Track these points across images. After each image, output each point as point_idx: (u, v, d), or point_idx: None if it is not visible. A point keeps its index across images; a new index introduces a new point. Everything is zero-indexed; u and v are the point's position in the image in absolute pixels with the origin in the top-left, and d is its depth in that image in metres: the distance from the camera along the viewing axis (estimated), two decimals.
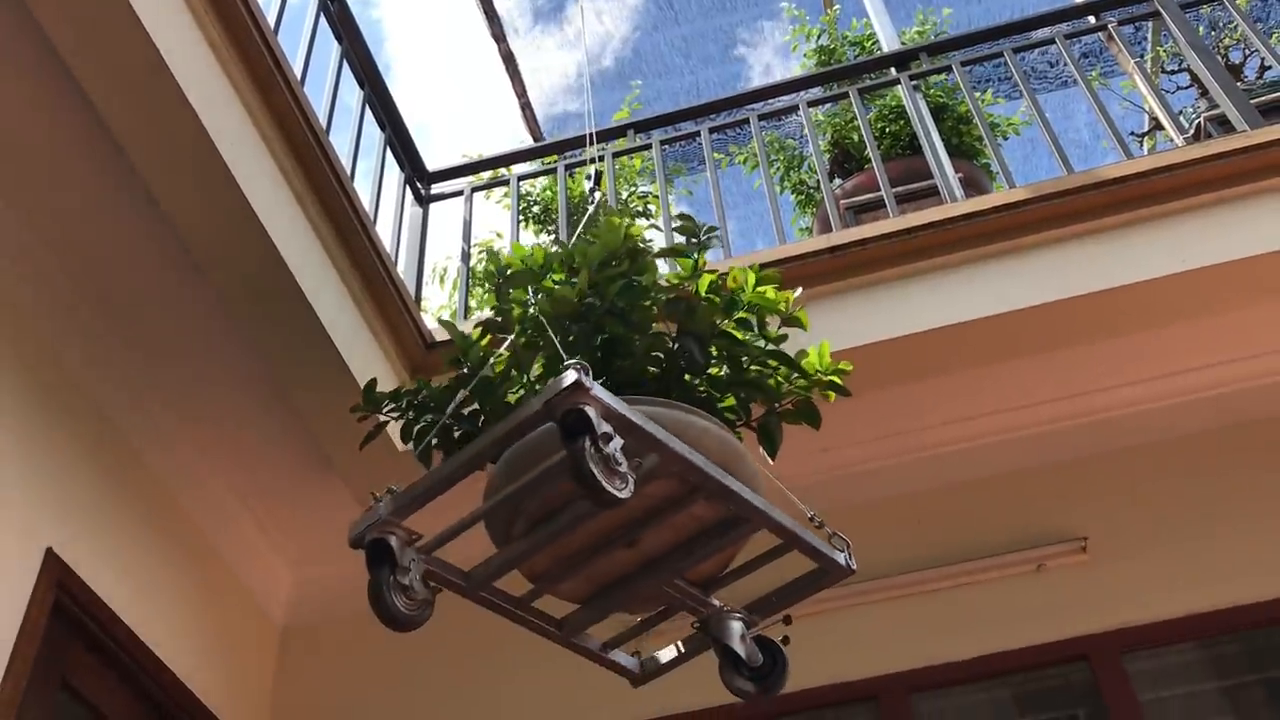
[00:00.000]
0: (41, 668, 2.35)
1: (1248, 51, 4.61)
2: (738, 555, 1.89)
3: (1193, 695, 2.83)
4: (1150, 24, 4.36)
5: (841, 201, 4.25)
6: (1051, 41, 3.76)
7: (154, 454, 2.97)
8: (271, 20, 2.71)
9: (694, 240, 1.92)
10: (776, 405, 1.96)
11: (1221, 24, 4.53)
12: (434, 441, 1.91)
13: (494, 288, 1.96)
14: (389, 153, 3.75)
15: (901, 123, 4.44)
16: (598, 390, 1.50)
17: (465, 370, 1.93)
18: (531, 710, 3.14)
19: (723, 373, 1.91)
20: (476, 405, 1.92)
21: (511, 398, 1.89)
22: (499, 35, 6.43)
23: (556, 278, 1.86)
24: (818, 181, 4.58)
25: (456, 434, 1.94)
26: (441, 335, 3.16)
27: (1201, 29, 4.74)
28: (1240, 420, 3.09)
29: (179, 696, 2.84)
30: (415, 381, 2.16)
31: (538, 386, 1.84)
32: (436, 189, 4.02)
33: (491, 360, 1.90)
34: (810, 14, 5.16)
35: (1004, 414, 3.25)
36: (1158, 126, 4.75)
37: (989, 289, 2.96)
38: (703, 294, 1.85)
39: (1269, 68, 4.51)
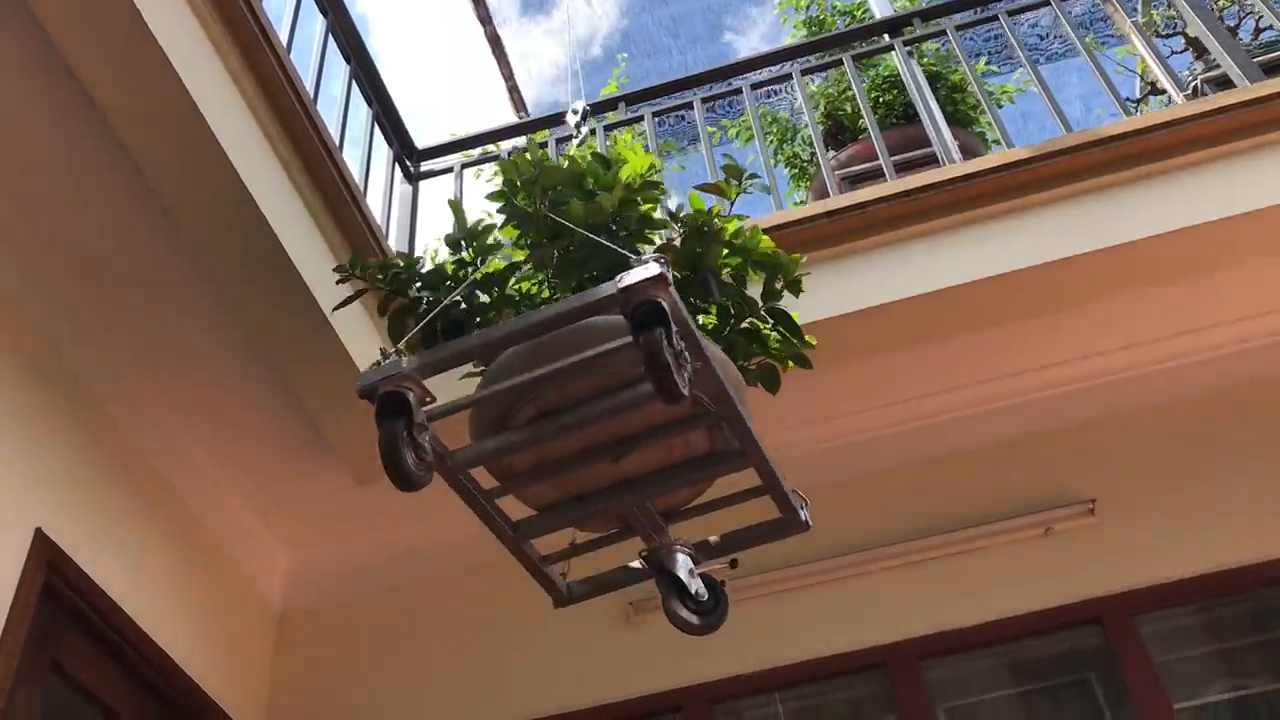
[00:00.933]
0: (32, 650, 2.30)
1: (1242, 14, 4.57)
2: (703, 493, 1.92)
3: (1207, 656, 2.79)
4: None
5: (837, 173, 4.19)
6: (1046, 2, 3.70)
7: (148, 437, 2.91)
8: None
9: (734, 182, 1.93)
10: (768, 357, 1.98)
11: None
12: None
13: (512, 184, 1.91)
14: (376, 129, 3.69)
15: (895, 92, 4.40)
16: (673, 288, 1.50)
17: (463, 258, 1.94)
18: (527, 692, 3.09)
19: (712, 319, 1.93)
20: (463, 299, 1.91)
21: (525, 286, 1.90)
22: (485, 17, 6.38)
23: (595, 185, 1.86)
24: (811, 154, 4.54)
25: (440, 325, 1.92)
26: None
27: None
28: (1245, 381, 3.06)
29: (176, 681, 2.79)
30: (400, 258, 2.11)
31: (548, 284, 1.87)
32: (426, 166, 3.96)
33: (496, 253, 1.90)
34: None
35: (1008, 379, 3.21)
36: (1152, 92, 4.71)
37: (991, 250, 2.91)
38: (729, 233, 1.82)
39: (1265, 29, 4.47)
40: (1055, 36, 4.18)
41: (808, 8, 5.03)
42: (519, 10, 7.80)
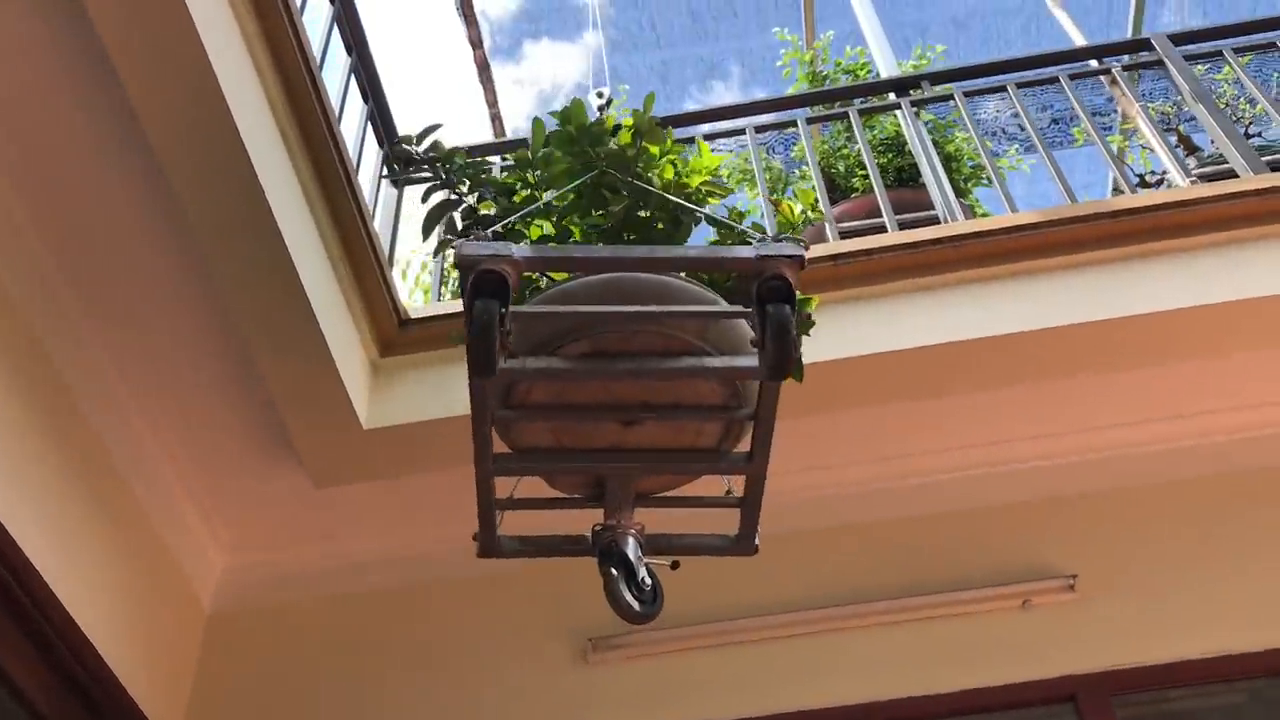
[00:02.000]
0: None
1: (1234, 117, 4.63)
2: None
3: None
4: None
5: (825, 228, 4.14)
6: (1054, 80, 3.72)
7: (100, 412, 2.73)
8: None
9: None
10: None
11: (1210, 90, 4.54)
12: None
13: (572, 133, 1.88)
14: (369, 127, 3.58)
15: (890, 155, 4.38)
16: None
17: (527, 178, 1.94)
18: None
19: None
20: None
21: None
22: (476, 41, 6.32)
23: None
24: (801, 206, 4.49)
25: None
26: (416, 313, 2.99)
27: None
28: (1235, 469, 3.02)
29: (92, 667, 2.58)
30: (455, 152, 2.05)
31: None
32: (414, 171, 3.84)
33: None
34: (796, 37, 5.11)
35: (997, 445, 3.15)
36: (1141, 184, 4.74)
37: (991, 311, 2.87)
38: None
39: (1252, 136, 4.53)
40: (1056, 121, 4.20)
41: (811, 61, 5.03)
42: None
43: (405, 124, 3.83)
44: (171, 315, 2.68)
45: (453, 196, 1.99)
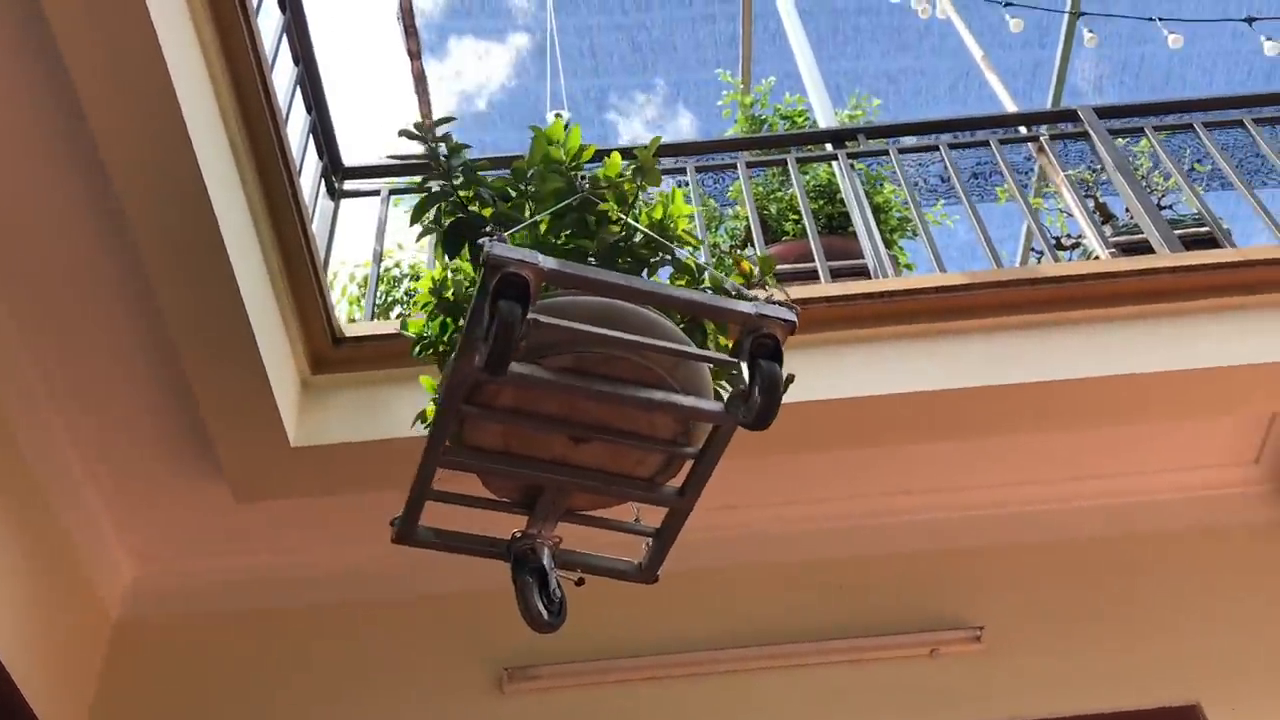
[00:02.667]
0: None
1: (1149, 190, 4.84)
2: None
3: None
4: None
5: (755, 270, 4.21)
6: (985, 144, 3.85)
7: (14, 406, 2.66)
8: None
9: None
10: None
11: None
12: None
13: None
14: (311, 139, 3.55)
15: (821, 203, 4.48)
16: None
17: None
18: None
19: None
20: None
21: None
22: (415, 53, 6.27)
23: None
24: (731, 246, 4.57)
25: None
26: (353, 332, 2.97)
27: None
28: (1137, 531, 3.16)
29: None
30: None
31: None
32: (351, 185, 3.83)
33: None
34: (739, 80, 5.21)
35: (913, 495, 3.24)
36: (1059, 247, 4.92)
37: (918, 366, 2.94)
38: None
39: (1164, 208, 4.74)
40: (984, 176, 4.34)
41: (751, 104, 5.12)
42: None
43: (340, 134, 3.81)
44: (102, 317, 2.63)
45: (443, 187, 2.00)
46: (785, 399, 2.87)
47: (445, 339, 2.06)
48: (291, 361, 2.83)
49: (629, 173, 1.96)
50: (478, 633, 3.02)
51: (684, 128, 8.10)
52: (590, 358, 1.63)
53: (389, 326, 3.00)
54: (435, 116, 6.56)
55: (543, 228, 1.92)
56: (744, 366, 1.61)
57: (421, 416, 2.09)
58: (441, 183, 1.99)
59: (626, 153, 2.08)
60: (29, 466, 2.75)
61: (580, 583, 1.91)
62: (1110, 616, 3.00)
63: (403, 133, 2.01)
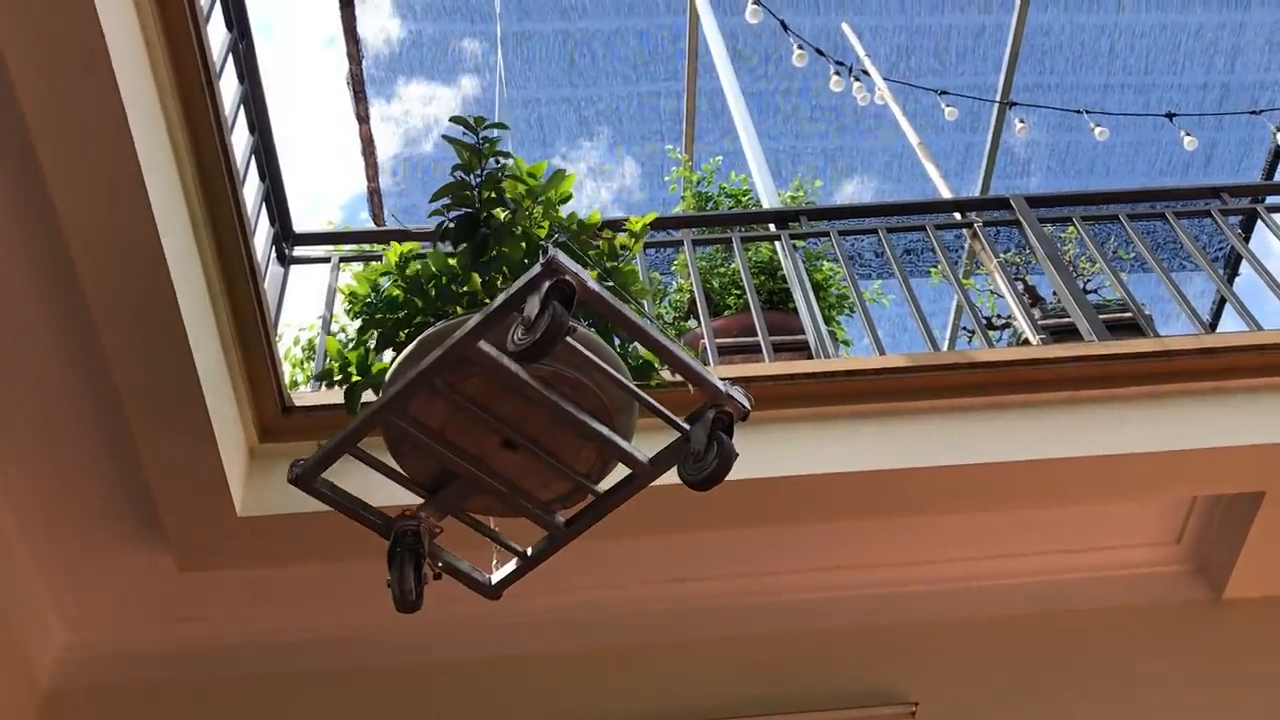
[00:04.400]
0: None
1: (1074, 273, 5.03)
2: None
3: None
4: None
5: (700, 342, 4.31)
6: (922, 228, 3.99)
7: None
8: None
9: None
10: None
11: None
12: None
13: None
14: (264, 206, 3.58)
15: (763, 278, 4.60)
16: None
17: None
18: None
19: None
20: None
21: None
22: (363, 116, 6.34)
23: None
24: (674, 318, 4.66)
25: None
26: (302, 401, 2.98)
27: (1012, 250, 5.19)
28: (1072, 608, 3.26)
29: None
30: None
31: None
32: (300, 251, 3.85)
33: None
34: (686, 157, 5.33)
35: (847, 570, 3.31)
36: (990, 326, 5.07)
37: (856, 446, 3.02)
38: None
39: (1090, 291, 4.92)
40: (919, 252, 4.48)
41: (698, 183, 5.24)
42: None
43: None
44: (47, 380, 2.63)
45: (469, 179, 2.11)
46: (730, 476, 2.97)
47: (403, 316, 2.10)
48: (240, 430, 2.83)
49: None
50: (417, 708, 3.02)
51: (629, 174, 8.16)
52: (565, 377, 1.74)
53: (335, 396, 3.02)
54: (378, 164, 6.62)
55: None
56: (699, 433, 1.74)
57: (326, 375, 2.17)
58: (470, 176, 2.09)
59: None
60: None
61: (438, 577, 1.95)
62: (1038, 693, 3.08)
63: (454, 119, 2.10)
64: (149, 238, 2.26)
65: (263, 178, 3.56)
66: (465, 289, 2.08)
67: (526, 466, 1.83)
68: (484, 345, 1.65)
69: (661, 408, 1.82)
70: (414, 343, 1.89)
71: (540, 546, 1.98)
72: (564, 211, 2.17)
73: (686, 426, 1.78)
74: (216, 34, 3.00)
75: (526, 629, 3.19)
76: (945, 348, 6.54)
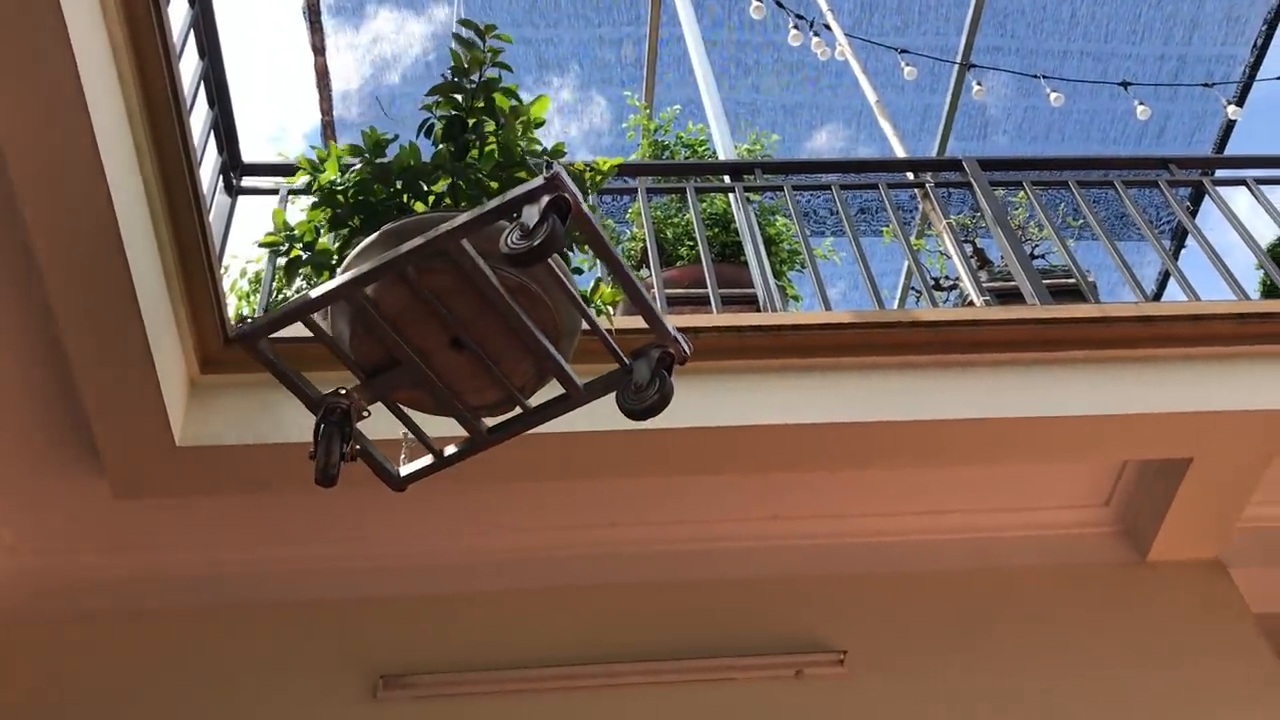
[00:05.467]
0: None
1: (1022, 238, 5.09)
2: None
3: None
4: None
5: (651, 291, 4.31)
6: (875, 186, 4.01)
7: None
8: None
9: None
10: None
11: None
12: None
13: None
14: (212, 135, 3.52)
15: (716, 230, 4.60)
16: None
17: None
18: None
19: None
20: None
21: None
22: (319, 48, 6.24)
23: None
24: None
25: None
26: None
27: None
28: (1002, 566, 3.34)
29: None
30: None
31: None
32: (249, 182, 3.80)
33: None
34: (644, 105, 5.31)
35: (780, 521, 3.37)
36: (938, 288, 5.13)
37: (797, 399, 3.06)
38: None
39: (1037, 257, 4.99)
40: (872, 213, 4.50)
41: (655, 131, 5.22)
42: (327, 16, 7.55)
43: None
44: None
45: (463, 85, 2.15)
46: (671, 424, 3.00)
47: (360, 201, 2.13)
48: (181, 360, 2.81)
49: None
50: (353, 640, 3.04)
51: (597, 113, 8.08)
52: (529, 290, 1.81)
53: (284, 331, 3.00)
54: (330, 66, 6.52)
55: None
56: (643, 367, 1.86)
57: (270, 243, 2.25)
58: (465, 81, 2.12)
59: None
60: None
61: (353, 458, 1.96)
62: (966, 647, 3.16)
63: (462, 21, 2.16)
64: (90, 162, 2.21)
65: (211, 105, 3.50)
66: (430, 189, 2.11)
67: (467, 369, 1.88)
68: (466, 243, 1.71)
69: (609, 338, 1.90)
70: (387, 227, 1.93)
71: (459, 449, 2.03)
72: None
73: (627, 361, 1.87)
74: None
75: (461, 568, 3.22)
76: (895, 306, 6.61)
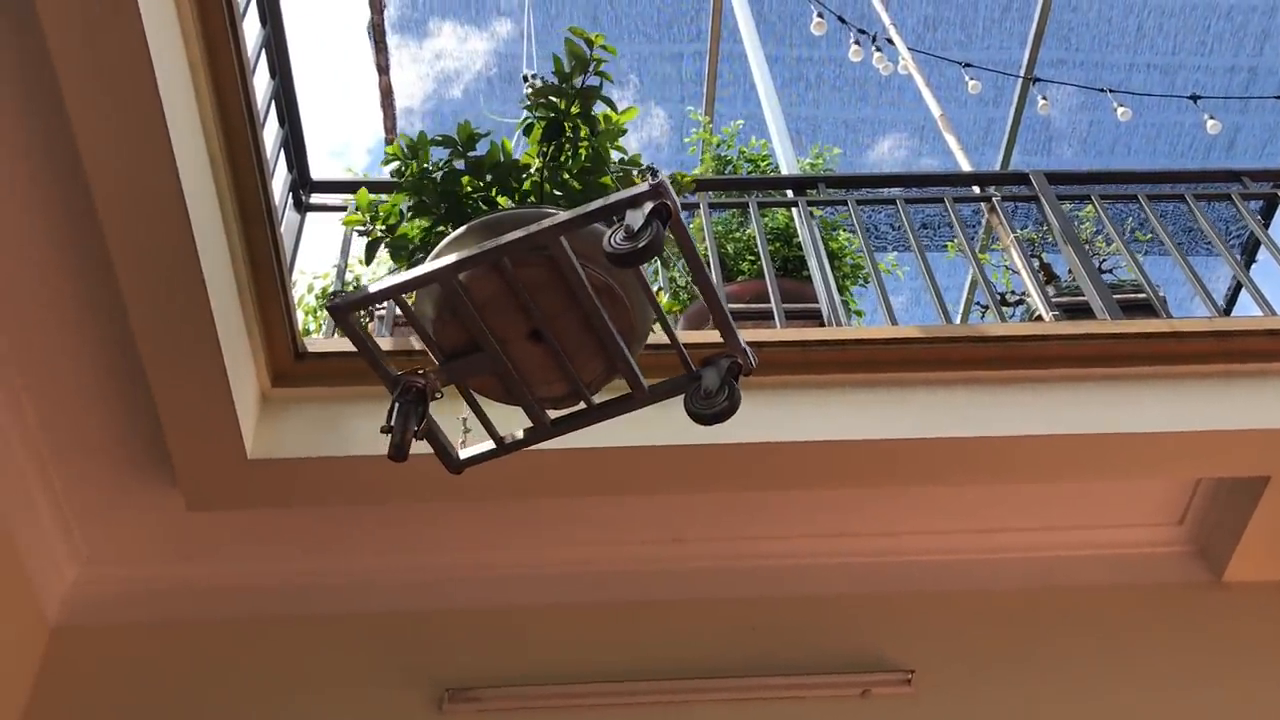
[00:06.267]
0: None
1: (1091, 253, 5.01)
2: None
3: None
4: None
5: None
6: (940, 200, 3.98)
7: None
8: None
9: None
10: None
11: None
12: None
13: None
14: (282, 152, 3.59)
15: (778, 244, 4.59)
16: None
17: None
18: None
19: None
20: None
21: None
22: (384, 67, 6.32)
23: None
24: (686, 281, 4.65)
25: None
26: (315, 348, 3.00)
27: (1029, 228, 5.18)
28: (1059, 584, 3.28)
29: None
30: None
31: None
32: (317, 199, 3.86)
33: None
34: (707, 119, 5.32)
35: (849, 538, 3.33)
36: (1004, 302, 5.06)
37: (865, 414, 3.03)
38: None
39: (1105, 271, 4.90)
40: (937, 228, 4.47)
41: (718, 145, 5.23)
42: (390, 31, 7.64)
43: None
44: (64, 317, 2.65)
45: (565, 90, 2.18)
46: (738, 439, 2.99)
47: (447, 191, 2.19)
48: (253, 374, 2.85)
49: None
50: (419, 653, 3.06)
51: (656, 126, 8.11)
52: (614, 291, 1.86)
53: (347, 344, 3.04)
54: (393, 80, 6.61)
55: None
56: (713, 374, 1.90)
57: (354, 221, 2.30)
58: (568, 86, 2.16)
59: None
60: None
61: (420, 437, 1.95)
62: (1034, 667, 3.10)
63: (573, 29, 2.15)
64: (168, 178, 2.26)
65: (282, 123, 3.56)
66: (518, 185, 2.18)
67: (541, 361, 1.92)
68: (564, 240, 1.76)
69: (680, 344, 1.96)
70: (482, 219, 1.98)
71: (521, 438, 2.05)
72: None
73: (694, 368, 1.92)
74: None
75: (527, 582, 3.22)
76: (959, 322, 6.54)
